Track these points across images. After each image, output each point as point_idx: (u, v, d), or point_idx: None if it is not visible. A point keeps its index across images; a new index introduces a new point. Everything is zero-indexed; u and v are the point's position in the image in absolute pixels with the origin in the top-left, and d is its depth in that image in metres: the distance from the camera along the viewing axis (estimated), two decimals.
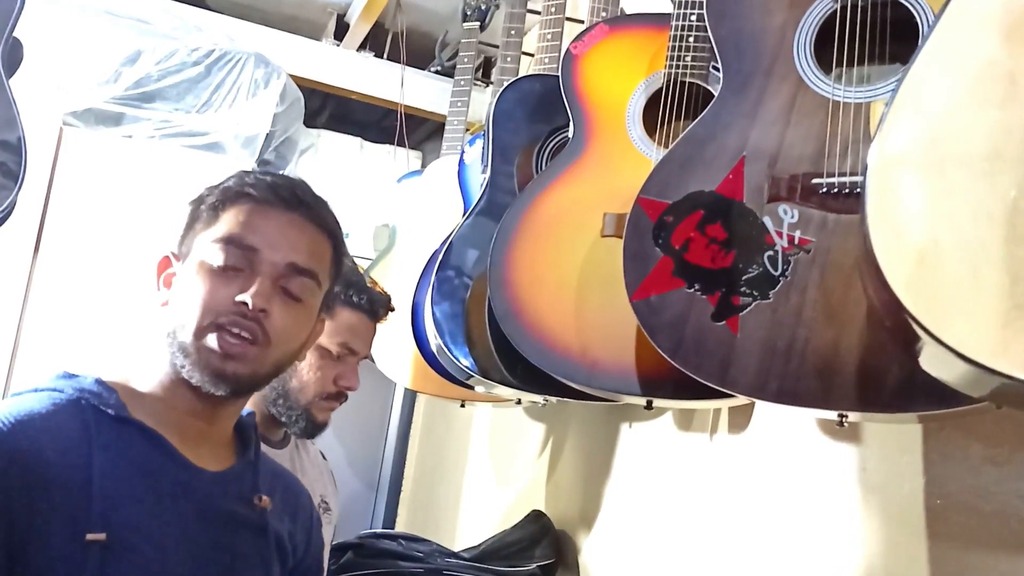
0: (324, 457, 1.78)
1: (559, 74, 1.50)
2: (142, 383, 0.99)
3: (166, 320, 0.98)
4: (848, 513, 1.29)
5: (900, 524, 1.20)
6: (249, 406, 1.50)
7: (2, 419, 0.89)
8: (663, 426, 1.79)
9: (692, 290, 1.08)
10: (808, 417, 1.38)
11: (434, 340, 1.64)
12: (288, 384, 1.50)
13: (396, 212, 2.60)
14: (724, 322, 1.05)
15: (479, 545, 2.08)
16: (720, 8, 1.23)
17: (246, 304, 0.95)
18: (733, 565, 1.50)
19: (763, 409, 1.50)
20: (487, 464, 2.68)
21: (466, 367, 1.59)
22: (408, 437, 3.44)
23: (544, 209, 1.43)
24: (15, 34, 1.85)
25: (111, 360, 1.04)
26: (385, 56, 3.34)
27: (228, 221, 0.99)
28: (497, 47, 2.25)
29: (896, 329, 0.73)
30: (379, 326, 1.60)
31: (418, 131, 3.68)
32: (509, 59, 2.21)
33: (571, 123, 1.47)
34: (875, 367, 0.95)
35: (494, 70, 2.29)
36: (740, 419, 1.57)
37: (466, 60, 2.55)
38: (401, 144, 3.14)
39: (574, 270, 1.38)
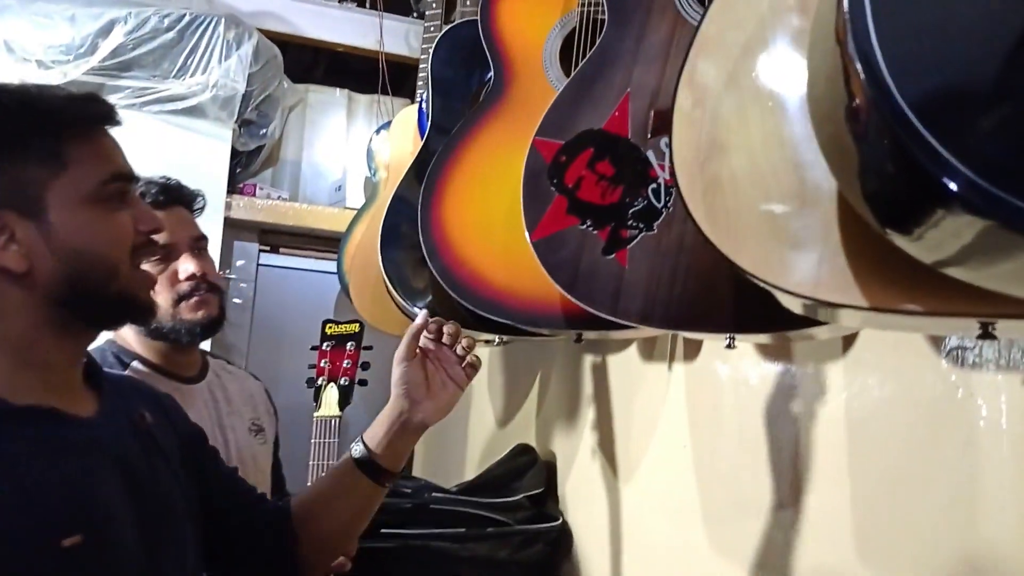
0: (257, 379, 1.80)
1: (478, 19, 1.52)
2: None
3: None
4: (792, 423, 1.33)
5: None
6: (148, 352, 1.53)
7: None
8: (629, 358, 1.83)
9: (585, 226, 1.12)
10: (745, 343, 1.41)
11: (387, 287, 1.70)
12: None
13: (375, 163, 2.64)
14: (614, 255, 1.09)
15: (468, 481, 2.15)
16: None
17: None
18: (691, 488, 1.55)
19: (711, 340, 1.54)
20: (487, 404, 2.75)
21: (415, 313, 1.64)
22: None
23: (468, 154, 1.46)
24: None
25: None
26: (368, 5, 3.34)
27: None
28: None
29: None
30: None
31: (411, 78, 3.69)
32: (469, 2, 2.21)
33: (491, 67, 1.50)
34: (745, 290, 0.98)
35: (455, 14, 2.29)
36: (692, 349, 1.61)
37: (434, 5, 2.54)
38: (385, 93, 3.15)
39: (500, 213, 1.41)
